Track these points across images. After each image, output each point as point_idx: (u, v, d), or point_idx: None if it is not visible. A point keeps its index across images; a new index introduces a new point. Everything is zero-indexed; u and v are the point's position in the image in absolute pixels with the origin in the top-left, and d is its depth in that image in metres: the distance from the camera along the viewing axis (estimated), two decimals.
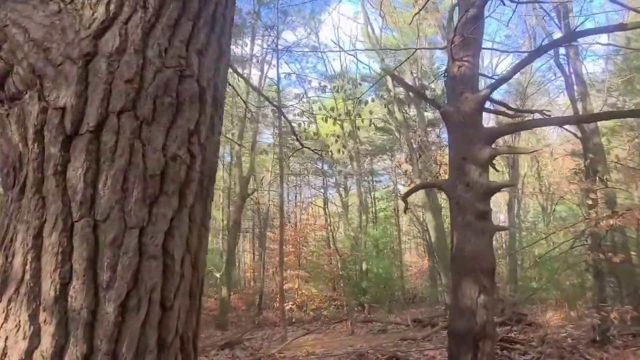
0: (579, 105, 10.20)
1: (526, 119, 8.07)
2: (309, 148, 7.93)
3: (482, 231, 5.43)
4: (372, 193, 26.04)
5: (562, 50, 9.96)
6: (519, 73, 9.21)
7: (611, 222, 6.09)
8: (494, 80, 6.43)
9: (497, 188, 5.54)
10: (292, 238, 18.64)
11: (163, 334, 1.22)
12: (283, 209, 14.64)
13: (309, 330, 13.81)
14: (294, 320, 16.25)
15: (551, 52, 9.38)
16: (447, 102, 6.23)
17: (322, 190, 24.61)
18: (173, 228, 1.26)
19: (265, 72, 16.60)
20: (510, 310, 9.87)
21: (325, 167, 24.80)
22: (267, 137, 23.89)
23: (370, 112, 8.25)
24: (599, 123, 10.02)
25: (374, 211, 26.18)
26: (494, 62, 19.64)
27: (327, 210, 23.30)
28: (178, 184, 1.29)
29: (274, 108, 10.55)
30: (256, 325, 14.50)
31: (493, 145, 6.05)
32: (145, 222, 1.22)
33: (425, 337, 8.60)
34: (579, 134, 9.32)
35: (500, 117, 8.94)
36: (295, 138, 7.42)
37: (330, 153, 10.01)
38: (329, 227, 22.00)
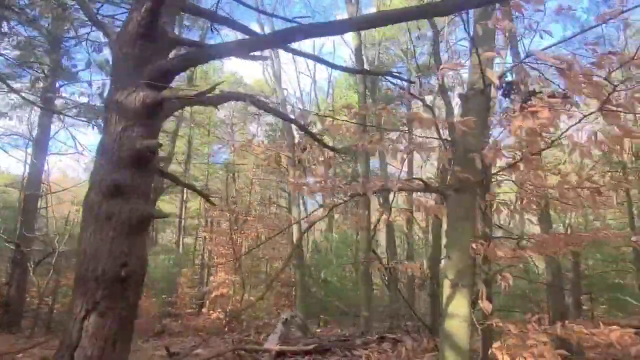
0: None
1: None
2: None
3: (109, 217, 3.49)
4: None
5: None
6: None
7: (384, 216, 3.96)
8: None
9: (145, 149, 3.55)
10: (229, 238, 17.05)
11: None
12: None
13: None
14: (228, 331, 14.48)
15: None
16: None
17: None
18: None
19: None
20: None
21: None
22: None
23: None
24: None
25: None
26: None
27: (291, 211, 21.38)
28: None
29: None
30: (156, 334, 12.87)
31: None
32: None
33: None
34: None
35: None
36: None
37: None
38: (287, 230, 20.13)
